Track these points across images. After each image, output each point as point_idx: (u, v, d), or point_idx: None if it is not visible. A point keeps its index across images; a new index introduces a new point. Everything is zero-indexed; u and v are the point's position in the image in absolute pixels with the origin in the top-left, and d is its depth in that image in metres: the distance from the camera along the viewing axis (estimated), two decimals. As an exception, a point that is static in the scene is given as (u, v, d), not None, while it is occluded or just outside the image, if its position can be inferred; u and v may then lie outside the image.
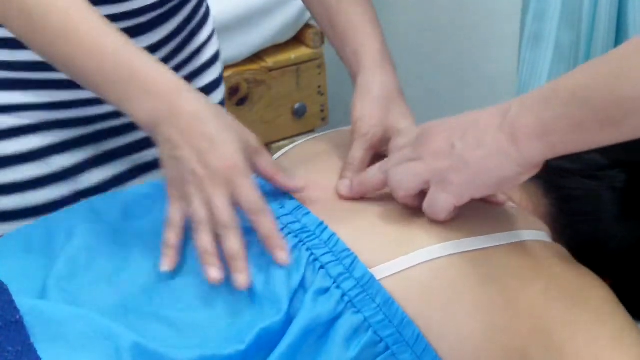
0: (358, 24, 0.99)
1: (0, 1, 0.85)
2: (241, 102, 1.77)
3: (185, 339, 0.77)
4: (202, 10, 1.11)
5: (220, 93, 1.17)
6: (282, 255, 0.81)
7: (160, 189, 0.90)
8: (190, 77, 1.10)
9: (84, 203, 0.93)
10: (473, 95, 1.95)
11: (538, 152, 0.76)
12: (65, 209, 0.94)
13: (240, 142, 0.84)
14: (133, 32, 0.96)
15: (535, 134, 0.75)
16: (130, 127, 1.04)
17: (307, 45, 1.84)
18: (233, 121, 0.86)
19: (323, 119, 1.95)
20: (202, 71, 1.12)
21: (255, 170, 0.85)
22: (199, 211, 0.81)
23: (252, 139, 0.86)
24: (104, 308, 0.79)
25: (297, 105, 1.88)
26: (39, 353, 0.73)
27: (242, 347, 0.76)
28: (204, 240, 0.81)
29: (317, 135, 1.08)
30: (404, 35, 2.01)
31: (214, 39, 1.15)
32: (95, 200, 0.92)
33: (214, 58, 1.15)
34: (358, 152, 0.94)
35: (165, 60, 1.03)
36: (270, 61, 1.81)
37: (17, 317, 0.74)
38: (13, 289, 0.78)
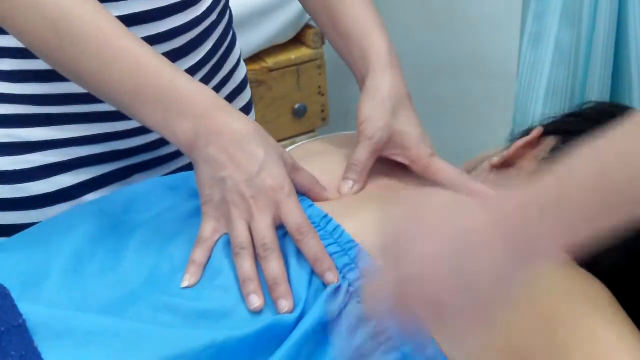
0: (364, 27, 0.99)
1: (37, 26, 0.82)
2: (241, 102, 1.77)
3: (194, 327, 0.77)
4: (230, 33, 1.10)
5: (251, 118, 1.15)
6: (331, 276, 0.81)
7: (163, 185, 0.90)
8: None
9: (88, 202, 0.93)
10: (473, 95, 1.95)
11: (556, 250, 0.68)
12: (70, 208, 0.94)
13: (283, 161, 0.84)
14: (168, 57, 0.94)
15: (557, 239, 0.66)
16: (165, 159, 1.02)
17: (307, 45, 1.84)
18: (272, 139, 0.86)
19: (323, 119, 1.95)
20: (234, 96, 1.11)
21: (295, 186, 0.85)
22: (243, 233, 0.81)
23: (287, 156, 0.86)
24: (110, 300, 0.79)
25: (297, 105, 1.88)
26: (42, 355, 0.73)
27: (251, 330, 0.76)
28: (246, 265, 0.80)
29: (321, 136, 1.09)
30: (403, 35, 2.01)
31: (242, 63, 1.14)
32: (100, 199, 0.93)
33: (244, 83, 1.14)
34: (362, 154, 0.94)
35: None
36: (270, 61, 1.81)
37: (20, 320, 0.74)
38: (15, 287, 0.79)
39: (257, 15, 1.76)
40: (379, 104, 0.95)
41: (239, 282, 0.80)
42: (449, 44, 1.98)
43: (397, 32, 2.07)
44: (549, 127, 1.06)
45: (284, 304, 0.79)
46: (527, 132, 1.08)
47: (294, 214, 0.82)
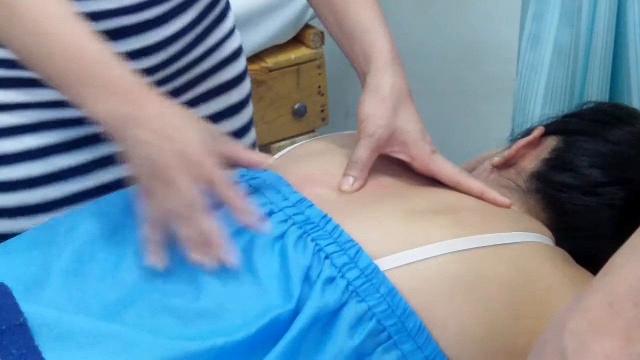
0: (367, 25, 1.00)
1: None
2: (241, 102, 1.77)
3: (194, 329, 0.77)
4: (220, 4, 1.10)
5: (245, 87, 1.16)
6: (252, 218, 0.83)
7: None
8: (211, 72, 1.09)
9: (88, 204, 0.93)
10: (473, 96, 1.95)
11: None
12: (69, 210, 0.94)
13: (205, 131, 0.84)
14: (147, 25, 0.96)
15: None
16: None
17: (307, 46, 1.84)
18: (198, 118, 0.87)
19: (323, 119, 1.95)
20: (223, 65, 1.11)
21: (226, 156, 0.86)
22: (177, 201, 0.82)
23: (217, 131, 0.87)
24: (110, 301, 0.79)
25: (297, 105, 1.88)
26: (44, 355, 0.73)
27: (251, 331, 0.76)
28: (188, 231, 0.82)
29: (321, 136, 1.09)
30: (403, 35, 2.01)
31: (236, 34, 1.15)
32: (99, 200, 0.93)
33: (236, 53, 1.14)
34: (364, 151, 0.94)
35: (182, 53, 1.02)
36: (270, 61, 1.81)
37: (21, 319, 0.74)
38: (17, 288, 0.79)
39: (257, 15, 1.76)
40: (380, 102, 0.95)
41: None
42: (448, 44, 1.98)
43: (397, 32, 2.06)
44: (550, 127, 1.06)
45: (225, 256, 0.81)
46: (528, 132, 1.08)
47: (215, 171, 0.82)
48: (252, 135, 1.18)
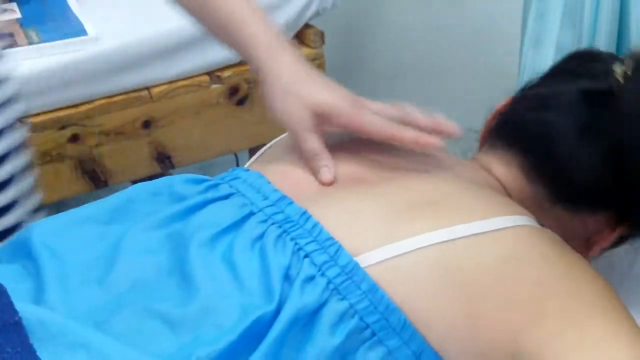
0: (242, 15, 0.99)
1: None
2: (241, 102, 1.76)
3: (178, 336, 0.77)
4: None
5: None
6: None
7: (146, 192, 0.90)
8: None
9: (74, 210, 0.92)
10: (473, 96, 1.95)
11: None
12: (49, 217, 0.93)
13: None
14: None
15: None
16: None
17: (307, 45, 1.83)
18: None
19: (323, 119, 1.94)
20: None
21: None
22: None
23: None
24: (99, 307, 0.79)
25: (297, 106, 1.88)
26: (38, 353, 0.73)
27: (233, 337, 0.76)
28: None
29: None
30: (404, 36, 2.01)
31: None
32: (87, 206, 0.92)
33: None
34: (312, 143, 0.94)
35: None
36: (270, 61, 1.81)
37: (16, 318, 0.74)
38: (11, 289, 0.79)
39: (257, 15, 1.76)
40: (285, 93, 0.95)
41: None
42: (449, 45, 1.98)
43: (397, 33, 2.07)
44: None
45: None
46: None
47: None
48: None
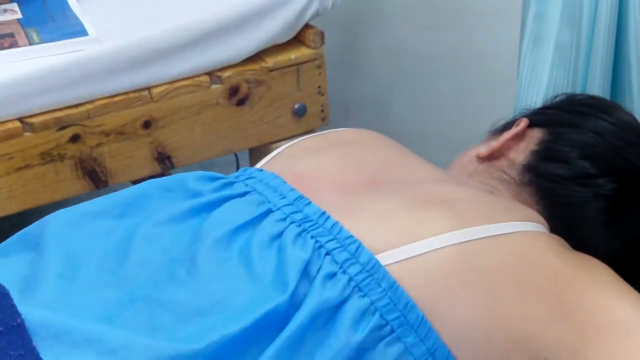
0: None
1: None
2: (241, 102, 1.76)
3: (190, 327, 0.77)
4: None
5: None
6: None
7: (159, 187, 0.90)
8: None
9: (85, 204, 0.93)
10: (473, 96, 1.95)
11: None
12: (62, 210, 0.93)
13: None
14: None
15: None
16: None
17: (307, 46, 1.83)
18: None
19: (323, 119, 1.95)
20: None
21: None
22: None
23: None
24: (109, 301, 0.79)
25: (297, 105, 1.88)
26: (41, 355, 0.73)
27: (246, 323, 0.76)
28: None
29: (313, 134, 1.09)
30: (403, 36, 2.01)
31: None
32: (97, 200, 0.93)
33: None
34: None
35: None
36: (270, 61, 1.80)
37: (19, 320, 0.74)
38: (12, 289, 0.79)
39: (257, 15, 1.76)
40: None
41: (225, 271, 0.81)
42: (449, 44, 1.98)
43: (397, 32, 2.07)
44: (533, 119, 1.07)
45: None
46: (510, 123, 1.09)
47: None
48: None
